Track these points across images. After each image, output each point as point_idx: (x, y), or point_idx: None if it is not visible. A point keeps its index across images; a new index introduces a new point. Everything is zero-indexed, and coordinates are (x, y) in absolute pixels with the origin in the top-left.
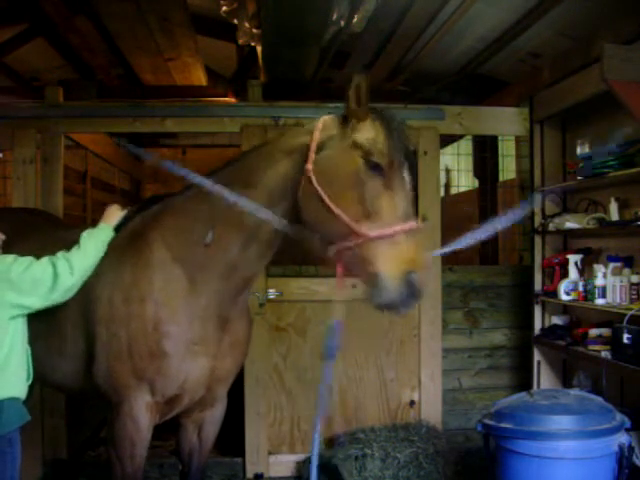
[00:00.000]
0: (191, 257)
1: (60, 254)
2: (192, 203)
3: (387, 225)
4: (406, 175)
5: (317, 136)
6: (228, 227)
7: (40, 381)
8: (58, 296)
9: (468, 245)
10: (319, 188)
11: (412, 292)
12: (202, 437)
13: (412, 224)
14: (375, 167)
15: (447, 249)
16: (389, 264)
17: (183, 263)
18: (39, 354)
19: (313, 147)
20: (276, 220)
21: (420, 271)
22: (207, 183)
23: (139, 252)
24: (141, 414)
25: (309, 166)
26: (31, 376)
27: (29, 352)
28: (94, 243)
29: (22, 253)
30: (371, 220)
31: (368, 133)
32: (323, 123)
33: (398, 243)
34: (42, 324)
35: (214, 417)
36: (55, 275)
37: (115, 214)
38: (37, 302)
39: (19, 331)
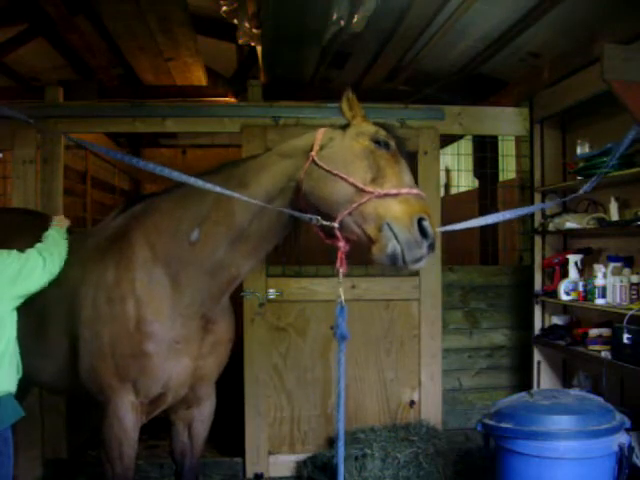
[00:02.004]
0: (175, 256)
1: (41, 245)
2: (177, 202)
3: (394, 188)
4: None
5: (319, 138)
6: (216, 225)
7: (27, 381)
8: (46, 279)
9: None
10: (325, 165)
11: (424, 233)
12: (192, 436)
13: (417, 191)
14: (381, 144)
15: (457, 227)
16: (398, 212)
17: (166, 262)
18: (26, 354)
19: (317, 144)
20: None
21: (429, 218)
22: (182, 177)
23: (122, 252)
24: (127, 414)
25: (313, 153)
26: (20, 370)
27: (17, 346)
28: (60, 238)
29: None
30: (378, 184)
31: (371, 128)
32: (324, 130)
33: (406, 199)
34: (28, 325)
35: (202, 415)
36: (43, 261)
37: (63, 222)
38: (33, 287)
39: (14, 325)
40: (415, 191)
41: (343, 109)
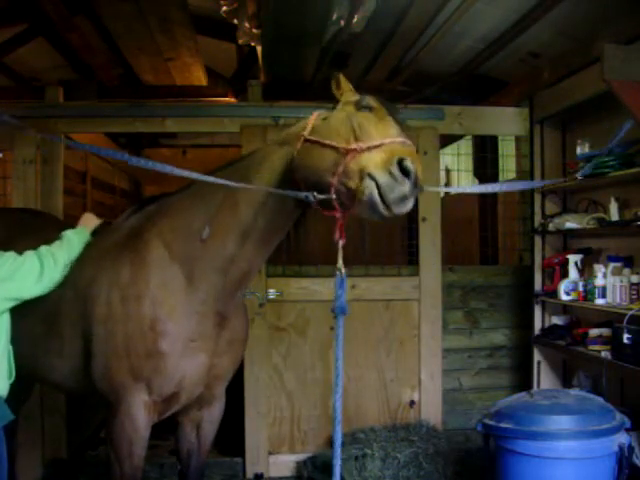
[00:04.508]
0: (189, 253)
1: (44, 248)
2: (188, 201)
3: (377, 140)
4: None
5: (312, 119)
6: (224, 222)
7: (39, 381)
8: (43, 287)
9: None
10: (313, 137)
11: (405, 172)
12: (200, 436)
13: (403, 139)
14: (364, 107)
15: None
16: (379, 160)
17: (181, 260)
18: (38, 354)
19: (309, 125)
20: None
21: (413, 159)
22: (178, 171)
23: (136, 251)
24: (139, 413)
25: (305, 133)
26: (13, 374)
27: (11, 350)
28: (76, 241)
29: (21, 253)
30: (362, 141)
31: (356, 97)
32: (318, 113)
33: (389, 148)
34: (40, 325)
35: (212, 416)
36: (41, 268)
37: (92, 220)
38: (25, 293)
39: (4, 328)
40: (399, 139)
41: (333, 89)
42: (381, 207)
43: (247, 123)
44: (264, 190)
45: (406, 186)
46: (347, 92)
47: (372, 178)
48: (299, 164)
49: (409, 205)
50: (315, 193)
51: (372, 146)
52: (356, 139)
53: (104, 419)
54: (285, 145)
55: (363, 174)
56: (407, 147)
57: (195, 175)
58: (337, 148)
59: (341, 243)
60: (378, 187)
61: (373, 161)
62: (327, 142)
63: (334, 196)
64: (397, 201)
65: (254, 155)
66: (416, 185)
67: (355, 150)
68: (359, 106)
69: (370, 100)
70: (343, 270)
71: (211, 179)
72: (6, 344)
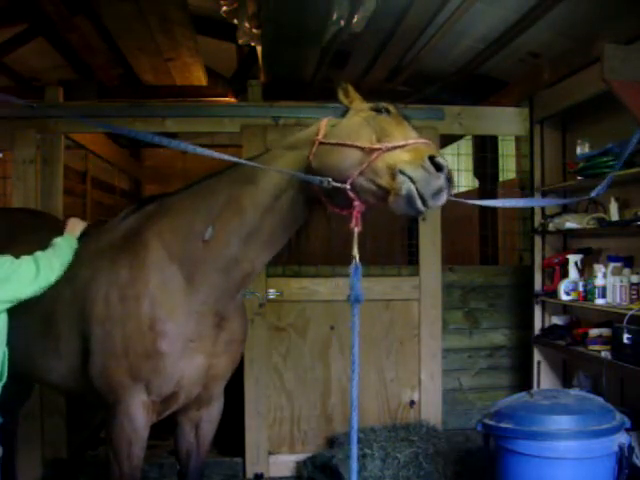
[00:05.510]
0: (189, 254)
1: (39, 253)
2: (188, 201)
3: (400, 141)
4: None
5: (323, 126)
6: (228, 223)
7: (37, 381)
8: (38, 287)
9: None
10: (332, 140)
11: (438, 167)
12: (199, 436)
13: (425, 140)
14: (382, 111)
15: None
16: (408, 158)
17: (181, 260)
18: (35, 355)
19: (322, 131)
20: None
21: (442, 156)
22: (185, 146)
23: (135, 251)
24: (138, 413)
25: (319, 137)
26: (4, 377)
27: (6, 352)
28: (65, 246)
29: (21, 253)
30: (385, 141)
31: (370, 104)
32: (327, 119)
33: (414, 148)
34: (38, 325)
35: (211, 416)
36: (37, 270)
37: (78, 225)
38: (21, 294)
39: (0, 330)
40: (422, 140)
41: (340, 98)
42: (418, 202)
43: (247, 123)
44: (287, 176)
45: (441, 179)
46: (356, 100)
47: (404, 174)
48: (317, 166)
49: (444, 198)
50: (330, 179)
51: (397, 146)
52: (379, 140)
53: (104, 419)
54: (295, 150)
55: (394, 171)
56: (431, 147)
57: (233, 158)
58: (362, 148)
59: (357, 231)
60: (413, 182)
61: (401, 159)
62: (349, 142)
63: (349, 186)
64: (433, 194)
65: (258, 159)
66: (449, 180)
67: (380, 149)
68: (375, 109)
69: (386, 104)
70: (357, 257)
71: (250, 163)
72: (1, 347)
